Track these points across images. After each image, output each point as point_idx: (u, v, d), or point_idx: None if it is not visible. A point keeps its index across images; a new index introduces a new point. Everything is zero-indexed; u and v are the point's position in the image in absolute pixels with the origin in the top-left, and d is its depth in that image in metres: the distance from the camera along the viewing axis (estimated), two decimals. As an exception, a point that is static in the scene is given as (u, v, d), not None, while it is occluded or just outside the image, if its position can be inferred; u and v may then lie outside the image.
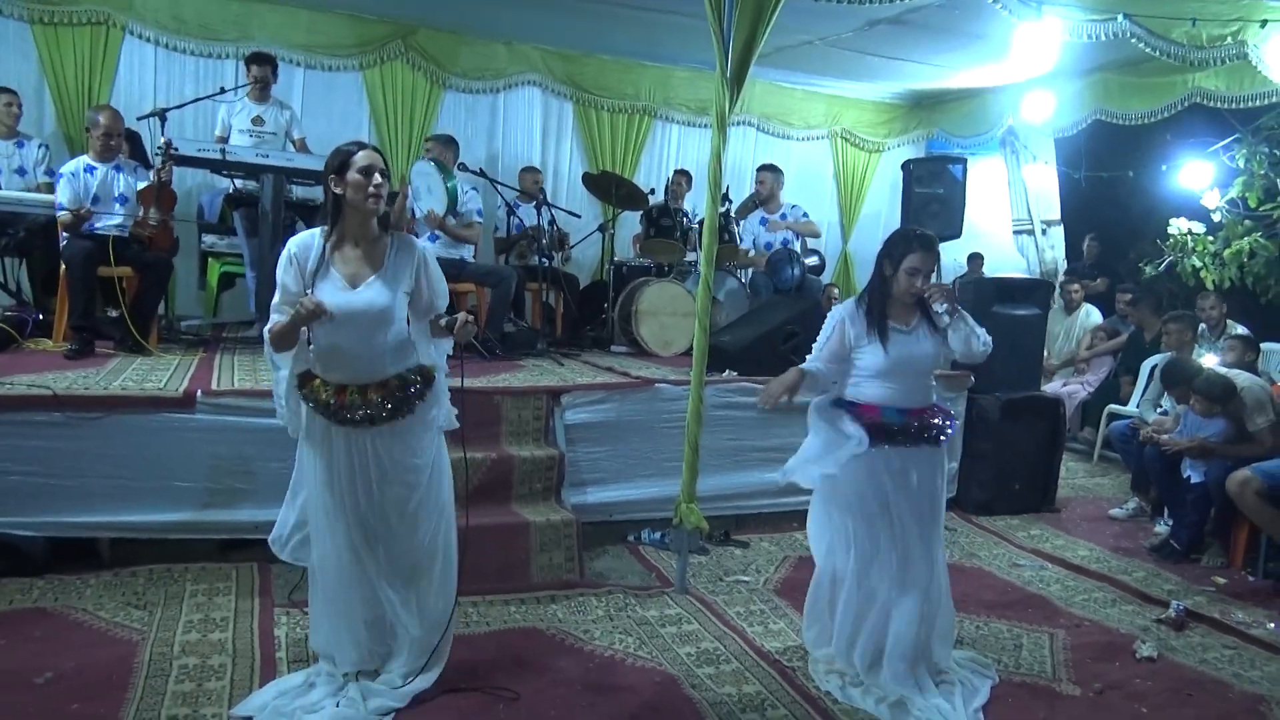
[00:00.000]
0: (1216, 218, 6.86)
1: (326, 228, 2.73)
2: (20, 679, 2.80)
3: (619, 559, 4.32)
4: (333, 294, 2.66)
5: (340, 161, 2.69)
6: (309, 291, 2.63)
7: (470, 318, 2.80)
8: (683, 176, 7.55)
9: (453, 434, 2.99)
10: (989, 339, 3.09)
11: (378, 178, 2.67)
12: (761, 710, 2.93)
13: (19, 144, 5.65)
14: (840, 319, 3.09)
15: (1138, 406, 5.98)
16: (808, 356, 3.17)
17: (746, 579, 4.13)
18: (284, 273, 2.70)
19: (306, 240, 2.74)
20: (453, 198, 5.54)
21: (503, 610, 3.59)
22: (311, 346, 2.72)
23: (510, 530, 3.94)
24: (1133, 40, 5.33)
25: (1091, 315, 7.70)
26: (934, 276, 3.04)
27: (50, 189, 5.19)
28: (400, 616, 2.85)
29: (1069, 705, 3.08)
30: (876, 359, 3.01)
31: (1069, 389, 7.12)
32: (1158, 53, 5.51)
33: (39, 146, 5.76)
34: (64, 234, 4.77)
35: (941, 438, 3.05)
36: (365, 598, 2.83)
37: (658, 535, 4.46)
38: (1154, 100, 6.86)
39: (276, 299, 2.72)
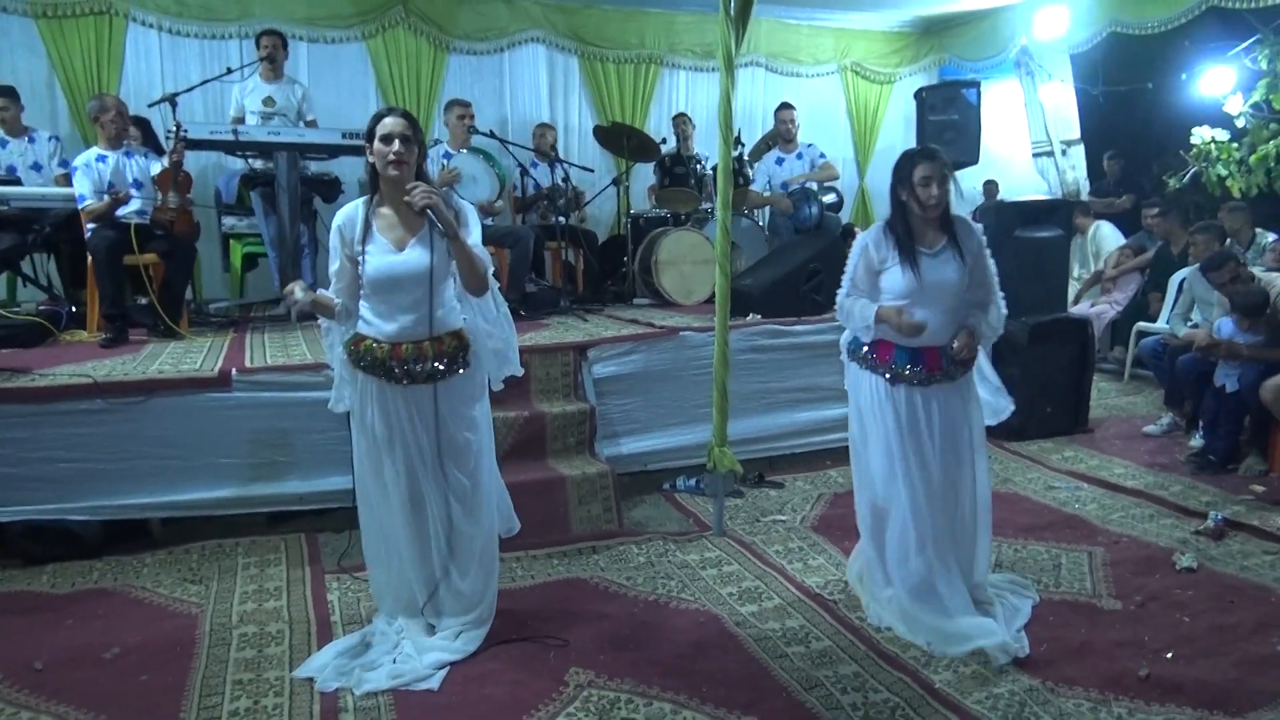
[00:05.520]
0: (1240, 123, 6.71)
1: (369, 196, 2.81)
2: (89, 655, 2.92)
3: (656, 507, 4.39)
4: (380, 257, 2.75)
5: (369, 130, 2.75)
6: (361, 257, 2.75)
7: (423, 186, 2.68)
8: (683, 118, 7.46)
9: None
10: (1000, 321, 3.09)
11: (397, 144, 2.69)
12: (806, 643, 2.98)
13: (30, 139, 5.63)
14: (864, 244, 3.07)
15: (1167, 322, 5.92)
16: (838, 291, 3.15)
17: (783, 518, 4.18)
18: (332, 244, 2.84)
19: (350, 212, 2.83)
20: (503, 177, 5.70)
21: (546, 564, 3.67)
22: (366, 306, 2.82)
23: (547, 485, 4.01)
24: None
25: (1100, 230, 7.56)
26: (952, 195, 3.00)
27: (67, 180, 5.15)
28: (450, 570, 2.92)
29: (1110, 619, 3.10)
30: (902, 283, 2.97)
31: (1097, 309, 7.03)
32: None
33: (50, 139, 5.74)
34: (89, 225, 4.82)
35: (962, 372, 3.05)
36: (420, 554, 2.91)
37: (693, 481, 4.52)
38: (1169, 7, 6.72)
39: (331, 268, 2.87)
